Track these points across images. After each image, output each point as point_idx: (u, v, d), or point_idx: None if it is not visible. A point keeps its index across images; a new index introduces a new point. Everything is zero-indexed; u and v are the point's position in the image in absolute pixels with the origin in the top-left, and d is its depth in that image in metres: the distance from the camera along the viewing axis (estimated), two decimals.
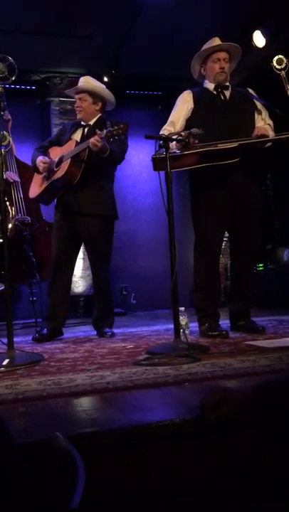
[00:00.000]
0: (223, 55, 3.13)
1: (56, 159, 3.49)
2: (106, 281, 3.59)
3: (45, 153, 3.63)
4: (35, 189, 3.68)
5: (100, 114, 3.58)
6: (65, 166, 3.35)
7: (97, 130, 3.19)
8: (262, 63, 3.31)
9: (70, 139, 3.54)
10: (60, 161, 3.43)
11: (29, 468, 1.04)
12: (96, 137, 3.12)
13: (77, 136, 3.54)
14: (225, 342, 2.78)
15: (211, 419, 1.25)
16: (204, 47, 3.17)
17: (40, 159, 3.53)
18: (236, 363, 2.06)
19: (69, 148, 3.44)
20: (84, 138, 3.44)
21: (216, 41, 3.16)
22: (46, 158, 3.53)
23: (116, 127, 3.02)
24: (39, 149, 3.67)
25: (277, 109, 3.10)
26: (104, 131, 3.07)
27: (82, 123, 3.58)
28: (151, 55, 5.68)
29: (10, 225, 4.23)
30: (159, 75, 6.35)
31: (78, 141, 3.45)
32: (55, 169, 3.46)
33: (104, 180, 3.53)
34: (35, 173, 3.66)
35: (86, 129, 3.53)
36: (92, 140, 3.13)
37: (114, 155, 3.36)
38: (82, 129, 3.56)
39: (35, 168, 3.59)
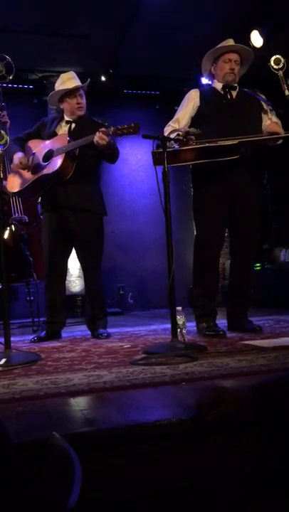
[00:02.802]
0: (234, 56, 3.15)
1: (42, 152, 3.37)
2: (98, 280, 3.52)
3: (23, 146, 3.50)
4: (15, 182, 3.48)
5: None
6: (58, 160, 3.24)
7: (102, 123, 3.13)
8: (259, 63, 3.31)
9: (55, 133, 3.45)
10: (50, 155, 3.32)
11: (26, 468, 1.03)
12: (101, 134, 3.05)
13: (63, 131, 3.45)
14: (222, 341, 2.79)
15: (207, 419, 1.25)
16: (218, 46, 3.19)
17: (20, 157, 3.38)
18: (233, 363, 2.06)
19: (60, 142, 3.33)
20: (73, 133, 3.35)
21: (230, 42, 3.19)
22: (24, 158, 3.40)
23: (126, 125, 2.96)
24: (15, 141, 3.51)
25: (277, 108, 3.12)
26: (112, 128, 3.02)
27: (68, 118, 3.49)
28: (149, 55, 5.69)
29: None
30: (157, 74, 6.36)
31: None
32: (44, 163, 3.33)
33: (92, 176, 3.48)
34: (12, 166, 3.48)
35: (73, 125, 3.45)
36: (99, 135, 3.06)
37: (116, 153, 3.33)
38: (67, 124, 3.47)
39: (11, 161, 3.44)
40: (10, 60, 2.88)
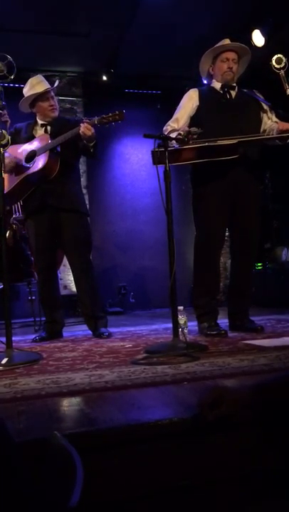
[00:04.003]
0: (232, 55, 3.15)
1: (23, 155, 3.38)
2: (95, 279, 3.53)
3: None
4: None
5: None
6: (43, 158, 3.24)
7: (84, 118, 3.14)
8: (260, 62, 3.31)
9: (33, 136, 3.46)
10: (33, 155, 3.33)
11: (28, 467, 1.04)
12: (86, 125, 3.06)
13: (39, 134, 3.45)
14: (223, 341, 2.79)
15: (208, 419, 1.25)
16: (214, 47, 3.18)
17: (7, 156, 3.32)
18: (235, 362, 2.06)
19: (41, 142, 3.33)
20: (51, 135, 3.35)
21: (226, 41, 3.19)
22: (12, 156, 3.38)
23: (110, 114, 2.97)
24: None
25: (276, 108, 3.12)
26: (96, 117, 3.03)
27: (42, 122, 3.50)
28: (150, 54, 5.69)
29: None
30: (158, 73, 6.35)
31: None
32: (27, 164, 3.34)
33: (75, 175, 3.49)
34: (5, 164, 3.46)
35: (49, 128, 3.46)
36: (84, 126, 3.06)
37: (98, 146, 3.31)
38: (42, 127, 3.48)
39: None
40: (11, 59, 2.87)
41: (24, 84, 3.50)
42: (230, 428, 1.31)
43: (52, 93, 3.48)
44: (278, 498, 1.28)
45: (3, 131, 2.66)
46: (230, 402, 1.27)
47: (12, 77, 2.85)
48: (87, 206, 3.70)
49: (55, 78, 4.00)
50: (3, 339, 2.52)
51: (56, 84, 3.51)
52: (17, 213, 4.36)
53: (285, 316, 3.97)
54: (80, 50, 5.67)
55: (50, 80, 3.58)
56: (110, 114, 2.98)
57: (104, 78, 6.12)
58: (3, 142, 2.62)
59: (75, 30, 5.31)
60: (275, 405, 1.30)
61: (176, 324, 2.56)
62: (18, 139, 3.53)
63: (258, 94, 3.21)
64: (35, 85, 3.44)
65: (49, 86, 3.46)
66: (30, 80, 3.51)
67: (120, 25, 5.19)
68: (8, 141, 2.64)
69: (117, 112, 2.96)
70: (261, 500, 1.28)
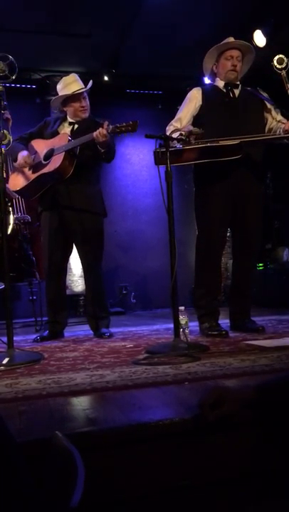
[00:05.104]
0: (235, 53, 3.13)
1: (44, 152, 3.40)
2: (100, 280, 3.53)
3: (26, 146, 3.51)
4: (17, 181, 3.51)
5: None
6: (58, 159, 3.26)
7: (103, 123, 3.16)
8: (261, 62, 3.30)
9: (57, 132, 3.47)
10: (50, 153, 3.34)
11: (28, 467, 1.04)
12: (100, 130, 3.06)
13: (65, 131, 3.46)
14: (224, 341, 2.79)
15: (209, 419, 1.25)
16: (218, 44, 3.18)
17: (24, 156, 3.40)
18: (236, 363, 2.07)
19: (60, 141, 3.35)
20: (76, 134, 3.36)
21: (231, 39, 3.17)
22: (29, 157, 3.42)
23: (124, 123, 2.96)
24: (19, 140, 3.53)
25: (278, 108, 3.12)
26: (111, 126, 3.03)
27: (71, 120, 3.50)
28: (151, 54, 5.68)
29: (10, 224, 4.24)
30: (159, 73, 6.35)
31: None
32: (44, 162, 3.36)
33: (92, 177, 3.49)
34: (15, 164, 3.52)
35: (76, 126, 3.47)
36: (99, 131, 3.06)
37: (113, 151, 3.34)
38: (70, 125, 3.49)
39: (15, 160, 3.47)
40: (13, 59, 2.88)
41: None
42: (230, 428, 1.31)
43: (85, 94, 3.47)
44: (278, 498, 1.28)
45: (5, 131, 2.66)
46: (232, 402, 1.27)
47: (14, 77, 2.86)
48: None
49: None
50: (5, 339, 2.52)
51: (90, 85, 3.50)
52: (19, 213, 4.37)
53: (286, 316, 3.97)
54: (80, 50, 5.67)
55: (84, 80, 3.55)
56: (124, 124, 2.96)
57: (106, 78, 6.12)
58: (5, 142, 2.63)
59: (75, 30, 5.31)
60: (276, 405, 1.30)
61: (177, 324, 2.57)
62: (44, 132, 3.55)
63: (261, 93, 3.20)
64: (68, 85, 3.44)
65: (82, 86, 3.45)
66: (64, 79, 3.51)
67: (121, 25, 5.19)
68: (9, 141, 2.65)
69: (130, 123, 2.93)
70: (261, 501, 1.29)
